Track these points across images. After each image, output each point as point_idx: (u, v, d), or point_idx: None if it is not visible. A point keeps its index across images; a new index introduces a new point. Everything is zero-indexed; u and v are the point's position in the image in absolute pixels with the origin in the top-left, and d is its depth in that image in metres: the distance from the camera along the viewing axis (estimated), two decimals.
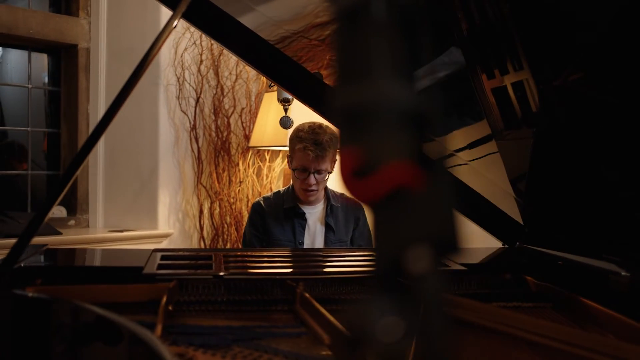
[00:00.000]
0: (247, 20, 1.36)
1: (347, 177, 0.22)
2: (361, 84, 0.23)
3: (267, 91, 3.04)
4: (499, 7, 1.09)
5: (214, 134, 3.16)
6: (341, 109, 0.23)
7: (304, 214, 2.06)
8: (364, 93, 0.22)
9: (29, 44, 3.09)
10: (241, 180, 3.17)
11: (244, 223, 2.86)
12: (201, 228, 3.15)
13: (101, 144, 3.12)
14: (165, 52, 3.01)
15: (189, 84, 3.10)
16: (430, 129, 0.22)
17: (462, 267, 1.22)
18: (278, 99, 2.77)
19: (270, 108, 2.93)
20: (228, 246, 3.15)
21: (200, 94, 3.12)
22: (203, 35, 3.04)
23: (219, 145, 3.16)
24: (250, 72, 3.22)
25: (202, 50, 3.12)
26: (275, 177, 3.26)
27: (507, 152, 1.37)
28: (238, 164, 3.18)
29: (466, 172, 1.51)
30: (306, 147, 1.95)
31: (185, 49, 3.07)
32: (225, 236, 3.17)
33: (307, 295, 1.02)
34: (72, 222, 3.13)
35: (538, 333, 0.90)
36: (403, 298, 0.21)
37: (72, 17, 3.13)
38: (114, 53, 3.11)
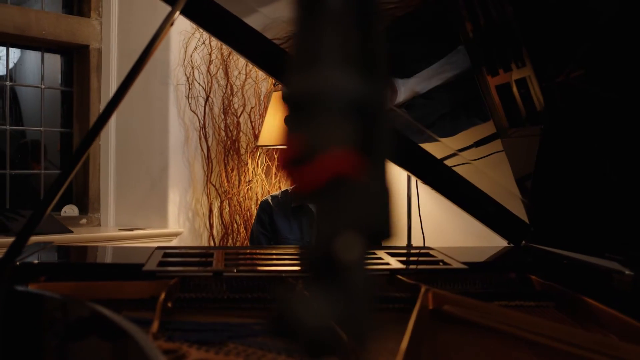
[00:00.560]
0: (252, 20, 1.36)
1: (286, 165, 0.22)
2: (309, 73, 0.22)
3: (274, 90, 3.05)
4: (502, 6, 1.08)
5: (223, 134, 3.18)
6: (288, 97, 0.22)
7: (312, 211, 2.07)
8: (311, 82, 0.22)
9: (42, 45, 3.13)
10: (250, 179, 3.18)
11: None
12: (211, 227, 3.17)
13: (112, 144, 3.16)
14: (175, 52, 3.03)
15: (199, 83, 3.12)
16: (375, 118, 0.22)
17: (465, 266, 1.21)
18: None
19: (278, 107, 2.93)
20: (238, 245, 3.16)
21: (210, 93, 3.14)
22: None
23: (228, 145, 3.17)
24: (260, 71, 3.23)
25: (211, 50, 3.13)
26: (283, 176, 3.27)
27: (512, 151, 1.36)
28: (247, 163, 3.19)
29: (472, 171, 1.50)
30: None
31: (195, 49, 3.08)
32: (234, 235, 3.19)
33: (307, 293, 1.01)
34: (84, 220, 3.16)
35: (538, 333, 0.89)
36: (334, 283, 0.21)
37: (83, 18, 3.17)
38: (125, 53, 3.14)
